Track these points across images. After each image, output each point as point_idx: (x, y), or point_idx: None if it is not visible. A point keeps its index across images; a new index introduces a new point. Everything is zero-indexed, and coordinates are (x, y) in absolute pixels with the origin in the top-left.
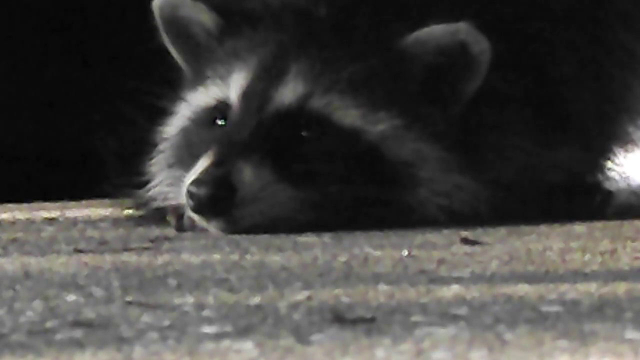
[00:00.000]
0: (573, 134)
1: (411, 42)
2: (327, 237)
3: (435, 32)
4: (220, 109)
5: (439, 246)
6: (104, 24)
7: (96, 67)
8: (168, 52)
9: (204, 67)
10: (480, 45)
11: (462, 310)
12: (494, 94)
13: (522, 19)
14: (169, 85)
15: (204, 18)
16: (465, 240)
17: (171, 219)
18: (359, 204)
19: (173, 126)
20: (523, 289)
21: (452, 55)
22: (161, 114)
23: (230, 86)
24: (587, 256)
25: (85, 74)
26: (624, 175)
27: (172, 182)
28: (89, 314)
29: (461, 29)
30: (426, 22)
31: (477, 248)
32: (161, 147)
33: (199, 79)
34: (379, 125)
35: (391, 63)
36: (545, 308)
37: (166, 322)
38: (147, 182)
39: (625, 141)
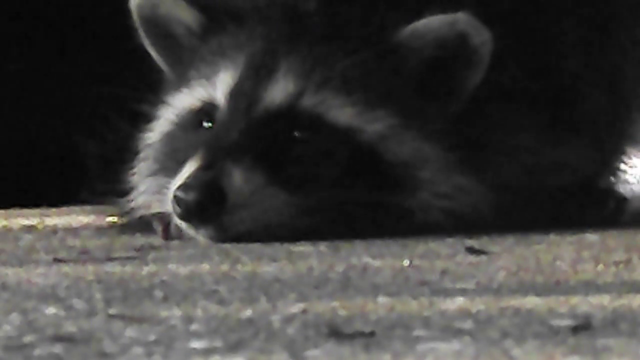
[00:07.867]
0: (583, 133)
1: (407, 34)
2: (323, 246)
3: (433, 23)
4: (207, 110)
5: (442, 255)
6: (81, 24)
7: (74, 70)
8: (148, 54)
9: (187, 68)
10: (481, 36)
11: (467, 324)
12: (497, 89)
13: (527, 9)
14: (149, 89)
15: (186, 16)
16: (471, 250)
17: (157, 226)
18: (356, 208)
19: (156, 132)
20: (532, 301)
21: (452, 48)
22: (143, 119)
23: (216, 86)
24: (600, 267)
25: (64, 76)
26: (638, 179)
27: (157, 191)
28: (70, 328)
29: (460, 20)
30: (423, 13)
31: (482, 258)
32: (143, 154)
33: (182, 81)
34: (375, 124)
35: (387, 57)
36: (555, 322)
37: (152, 337)
38: (129, 191)
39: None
